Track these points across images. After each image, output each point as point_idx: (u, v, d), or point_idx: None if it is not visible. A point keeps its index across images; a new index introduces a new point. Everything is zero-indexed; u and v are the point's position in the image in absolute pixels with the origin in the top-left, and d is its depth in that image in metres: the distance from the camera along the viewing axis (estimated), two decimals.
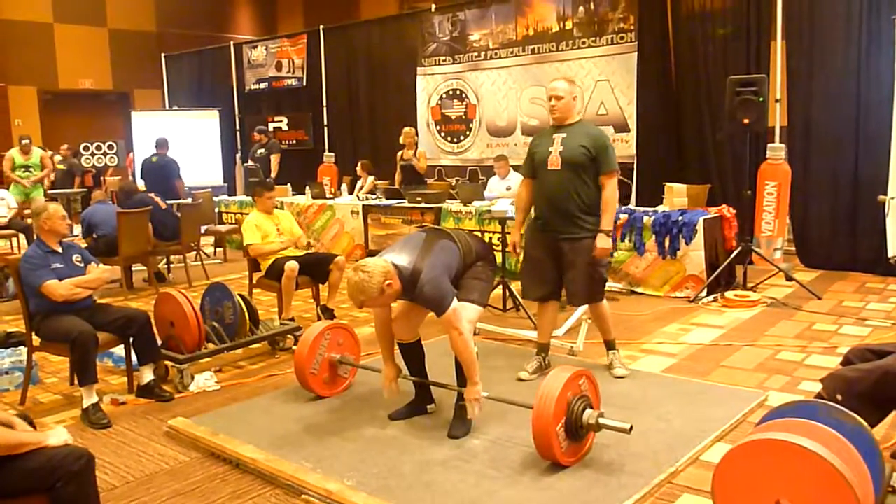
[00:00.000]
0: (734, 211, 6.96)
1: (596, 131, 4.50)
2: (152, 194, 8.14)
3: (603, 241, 4.35)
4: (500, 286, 6.34)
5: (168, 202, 8.38)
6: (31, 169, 10.84)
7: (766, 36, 7.62)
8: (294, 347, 5.32)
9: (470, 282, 3.74)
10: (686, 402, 4.08)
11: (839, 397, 2.91)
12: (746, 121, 6.48)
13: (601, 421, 3.29)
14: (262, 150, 11.44)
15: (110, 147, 13.91)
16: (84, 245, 6.91)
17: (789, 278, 6.78)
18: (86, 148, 13.75)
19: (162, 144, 9.92)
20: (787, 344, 5.17)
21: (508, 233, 6.38)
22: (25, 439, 2.60)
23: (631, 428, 3.25)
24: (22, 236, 9.54)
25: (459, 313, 3.55)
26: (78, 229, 7.98)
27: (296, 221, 6.51)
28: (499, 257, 7.04)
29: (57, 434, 2.67)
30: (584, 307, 4.95)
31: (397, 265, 3.50)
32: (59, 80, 16.60)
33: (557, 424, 3.22)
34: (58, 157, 13.06)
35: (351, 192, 10.12)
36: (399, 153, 9.48)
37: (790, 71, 7.51)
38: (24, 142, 10.96)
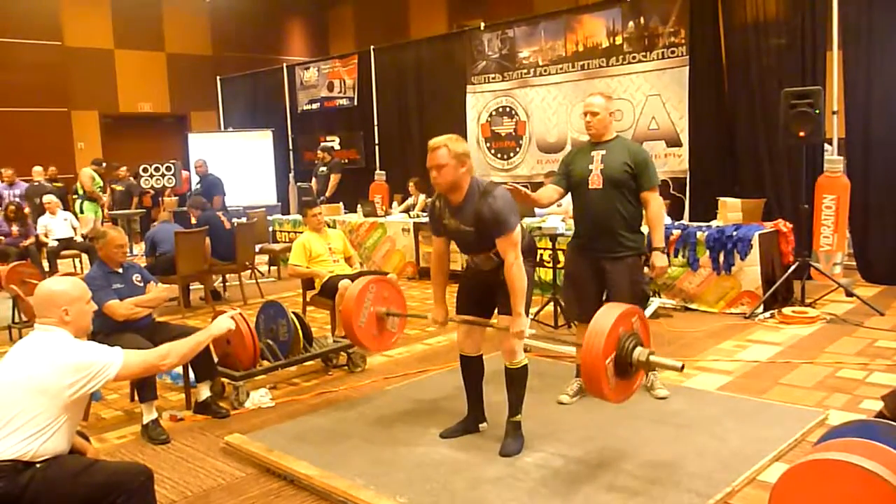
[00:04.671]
0: (791, 225, 6.81)
1: (635, 147, 4.44)
2: (220, 213, 8.36)
3: (660, 260, 4.30)
4: (552, 303, 6.33)
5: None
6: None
7: (821, 46, 7.47)
8: (346, 365, 5.39)
9: None
10: (742, 421, 4.00)
11: None
12: (802, 133, 6.35)
13: (652, 358, 3.18)
14: (324, 169, 11.63)
15: (168, 168, 14.27)
16: (145, 263, 7.12)
17: (850, 294, 6.62)
18: (145, 170, 14.13)
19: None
20: (848, 361, 5.04)
21: (560, 249, 6.37)
22: (200, 339, 3.07)
23: (683, 366, 3.18)
24: (85, 256, 9.86)
25: (517, 238, 3.54)
26: (138, 249, 8.22)
27: (348, 241, 6.58)
28: (549, 274, 7.04)
29: (218, 325, 3.09)
30: None
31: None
32: (119, 104, 17.12)
33: (607, 358, 3.11)
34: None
35: (405, 208, 10.20)
36: None
37: (847, 81, 7.36)
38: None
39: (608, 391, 3.15)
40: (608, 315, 3.18)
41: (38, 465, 2.56)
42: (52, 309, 2.75)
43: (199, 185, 10.72)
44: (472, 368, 3.96)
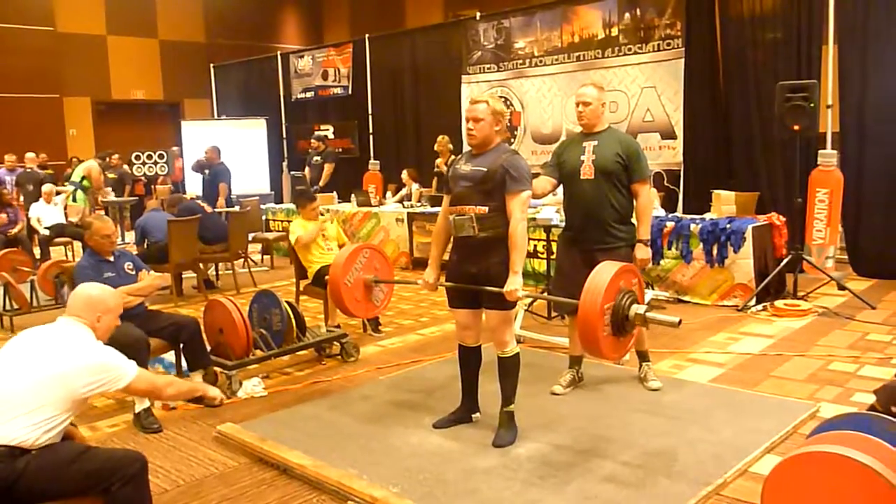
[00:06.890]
0: (784, 219, 6.83)
1: (627, 138, 4.44)
2: (199, 201, 8.33)
3: (643, 252, 4.30)
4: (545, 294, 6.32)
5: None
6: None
7: (817, 40, 7.46)
8: (340, 355, 5.38)
9: None
10: (734, 413, 4.01)
11: (894, 409, 2.84)
12: (797, 127, 6.37)
13: (649, 314, 3.19)
14: (318, 158, 11.57)
15: (161, 156, 14.19)
16: (136, 252, 7.09)
17: (842, 287, 6.64)
18: (137, 157, 14.04)
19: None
20: (840, 354, 5.06)
21: (554, 240, 6.36)
22: (197, 388, 3.27)
23: (680, 321, 3.20)
24: (77, 243, 9.82)
25: (528, 202, 3.65)
26: (130, 237, 8.20)
27: (342, 230, 6.57)
28: (543, 265, 7.04)
29: (214, 390, 3.21)
30: None
31: None
32: (111, 91, 17.02)
33: (604, 313, 3.12)
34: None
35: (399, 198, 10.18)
36: (438, 161, 9.51)
37: (842, 76, 7.36)
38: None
39: (603, 345, 3.15)
40: (606, 270, 3.21)
41: (33, 452, 2.57)
42: (88, 311, 2.90)
43: (206, 173, 10.56)
44: (470, 359, 3.96)
